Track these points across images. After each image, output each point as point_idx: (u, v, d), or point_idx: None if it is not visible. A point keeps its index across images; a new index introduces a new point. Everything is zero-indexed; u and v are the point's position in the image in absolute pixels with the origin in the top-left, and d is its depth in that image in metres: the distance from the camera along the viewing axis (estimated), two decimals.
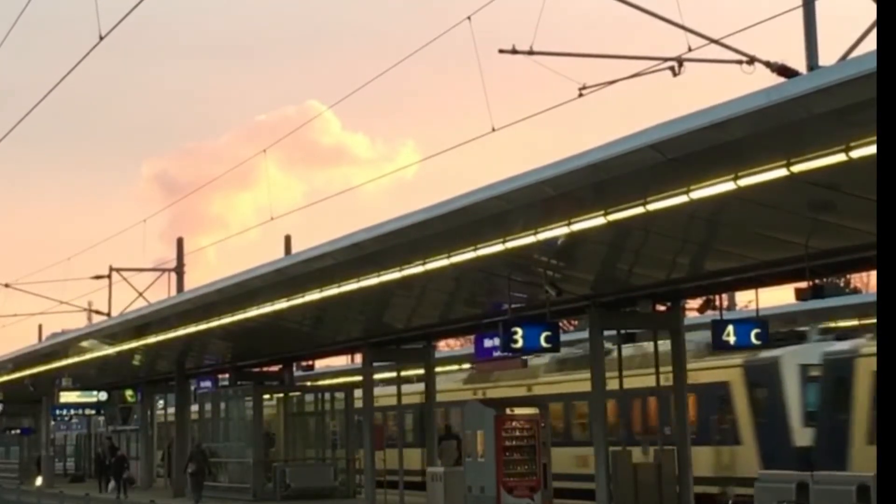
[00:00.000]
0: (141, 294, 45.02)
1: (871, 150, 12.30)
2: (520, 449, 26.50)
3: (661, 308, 24.02)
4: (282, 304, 26.71)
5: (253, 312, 28.36)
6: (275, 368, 41.52)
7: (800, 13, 16.22)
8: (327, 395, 39.63)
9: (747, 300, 44.39)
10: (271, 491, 36.28)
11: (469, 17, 18.83)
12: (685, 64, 17.26)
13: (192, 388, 44.99)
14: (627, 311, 23.95)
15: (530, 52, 17.84)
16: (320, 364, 49.02)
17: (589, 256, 21.09)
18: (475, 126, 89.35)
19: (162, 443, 50.36)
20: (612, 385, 25.08)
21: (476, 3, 19.38)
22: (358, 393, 35.56)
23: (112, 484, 44.68)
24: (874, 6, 14.77)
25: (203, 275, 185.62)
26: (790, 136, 12.87)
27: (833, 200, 15.43)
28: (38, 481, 54.65)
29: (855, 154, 12.54)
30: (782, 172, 13.55)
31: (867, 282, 55.04)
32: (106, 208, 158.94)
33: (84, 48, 38.37)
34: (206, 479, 37.39)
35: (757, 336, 22.52)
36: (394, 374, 36.31)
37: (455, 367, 44.92)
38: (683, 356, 24.56)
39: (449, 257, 20.29)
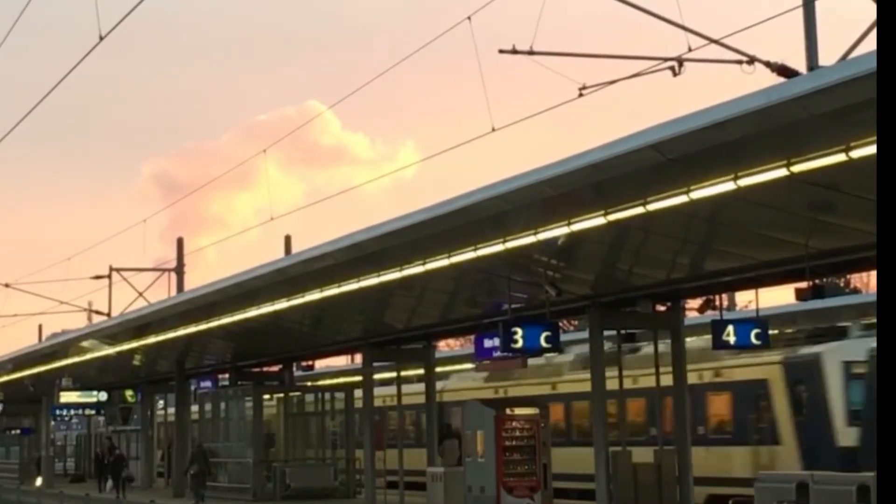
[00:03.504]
0: (141, 294, 45.07)
1: (871, 150, 12.30)
2: (520, 449, 26.49)
3: (661, 308, 24.01)
4: (282, 304, 26.70)
5: (253, 312, 28.35)
6: (275, 368, 41.52)
7: (800, 13, 16.23)
8: (327, 395, 39.63)
9: (747, 300, 44.40)
10: (271, 491, 36.29)
11: (469, 17, 18.84)
12: (685, 64, 17.26)
13: (192, 388, 44.98)
14: (627, 311, 23.94)
15: (530, 52, 17.84)
16: (320, 364, 49.02)
17: (589, 256, 21.09)
18: (475, 126, 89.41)
19: (162, 443, 50.36)
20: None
21: (476, 3, 19.39)
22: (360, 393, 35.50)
23: (110, 483, 44.67)
24: (874, 6, 14.77)
25: (203, 275, 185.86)
26: (790, 136, 12.87)
27: (833, 200, 15.43)
28: (38, 481, 54.65)
29: (855, 154, 12.53)
30: (782, 172, 13.55)
31: (867, 282, 55.04)
32: (106, 208, 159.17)
33: (84, 48, 38.40)
34: (207, 480, 37.40)
35: (757, 336, 22.52)
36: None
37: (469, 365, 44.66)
38: (683, 356, 24.57)
39: (449, 257, 20.29)
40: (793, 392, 28.35)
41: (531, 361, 38.25)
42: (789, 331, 28.55)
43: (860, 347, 27.21)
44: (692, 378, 24.32)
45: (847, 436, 27.29)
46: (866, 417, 26.02)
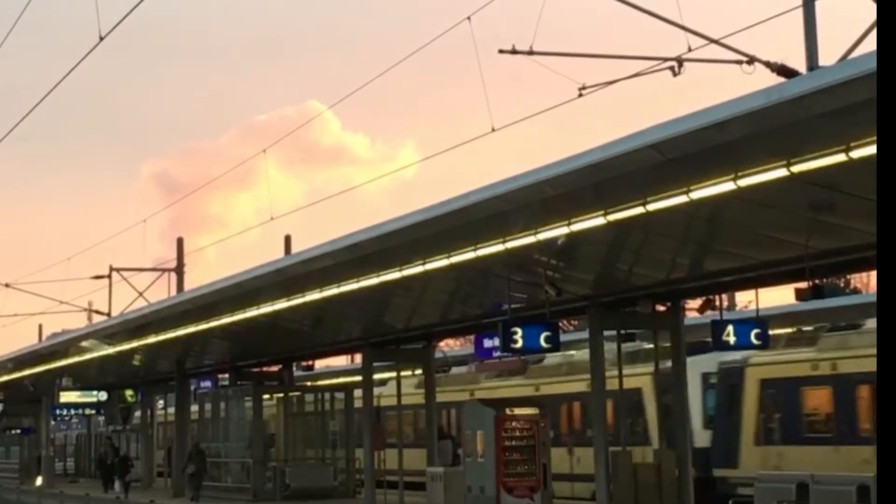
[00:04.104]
0: (141, 294, 45.08)
1: (871, 150, 12.30)
2: (520, 449, 26.48)
3: (661, 308, 24.01)
4: (282, 304, 26.69)
5: (253, 312, 28.34)
6: (274, 368, 41.51)
7: (800, 13, 16.23)
8: (327, 395, 39.62)
9: (747, 300, 44.38)
10: (271, 491, 36.27)
11: (469, 17, 18.87)
12: (685, 64, 17.28)
13: (192, 388, 44.98)
14: (627, 311, 23.94)
15: (530, 52, 17.86)
16: (320, 364, 49.03)
17: (589, 256, 21.09)
18: (475, 126, 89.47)
19: (164, 443, 50.35)
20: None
21: (476, 3, 19.42)
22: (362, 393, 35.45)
23: (118, 484, 44.67)
24: (874, 6, 14.77)
25: (203, 275, 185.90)
26: (790, 136, 12.86)
27: (833, 200, 15.42)
28: (38, 481, 54.65)
29: (855, 154, 12.53)
30: (782, 172, 13.55)
31: (867, 282, 55.04)
32: (106, 208, 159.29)
33: (84, 48, 38.43)
34: (204, 480, 37.43)
35: (756, 336, 22.51)
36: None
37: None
38: (683, 356, 24.56)
39: (449, 257, 20.28)
40: (661, 399, 29.85)
41: (455, 370, 39.26)
42: (666, 345, 30.05)
43: (716, 360, 29.41)
44: (582, 387, 25.23)
45: (702, 437, 30.33)
46: (718, 421, 28.61)
